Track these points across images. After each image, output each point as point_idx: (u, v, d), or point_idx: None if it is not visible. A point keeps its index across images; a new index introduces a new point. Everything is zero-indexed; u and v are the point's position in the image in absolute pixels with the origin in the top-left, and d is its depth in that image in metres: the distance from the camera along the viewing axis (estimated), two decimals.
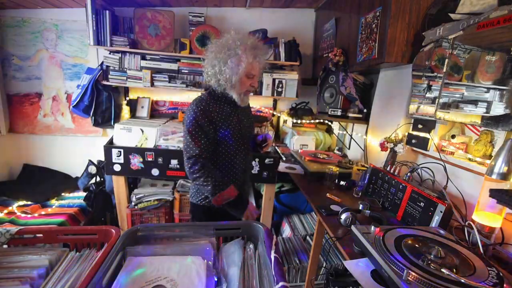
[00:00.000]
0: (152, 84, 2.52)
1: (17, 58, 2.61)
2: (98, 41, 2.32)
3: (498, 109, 1.14)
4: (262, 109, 2.86)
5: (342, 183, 1.69)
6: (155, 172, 2.19)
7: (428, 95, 1.41)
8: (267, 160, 2.08)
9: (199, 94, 2.97)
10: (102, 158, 2.20)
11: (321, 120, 2.77)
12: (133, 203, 2.30)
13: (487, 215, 1.00)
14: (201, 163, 1.26)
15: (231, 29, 1.31)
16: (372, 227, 0.93)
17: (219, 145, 1.34)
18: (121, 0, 2.50)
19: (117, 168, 2.16)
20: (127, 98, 2.76)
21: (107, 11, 2.27)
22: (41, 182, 2.72)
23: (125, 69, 2.52)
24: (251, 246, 0.94)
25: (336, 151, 2.51)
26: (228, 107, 1.35)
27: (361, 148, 2.22)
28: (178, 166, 2.21)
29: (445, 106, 1.33)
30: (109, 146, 2.12)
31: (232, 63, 1.24)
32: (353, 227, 0.97)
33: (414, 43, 1.52)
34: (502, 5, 1.05)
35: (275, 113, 2.91)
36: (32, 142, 2.80)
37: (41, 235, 0.97)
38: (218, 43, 1.28)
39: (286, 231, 2.43)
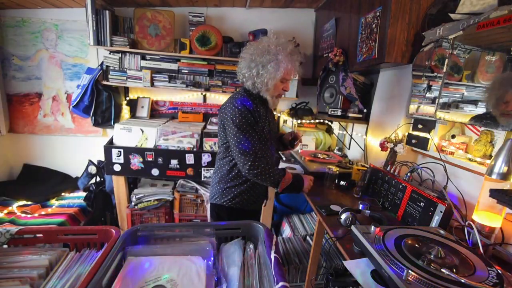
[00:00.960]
0: (152, 84, 2.52)
1: (17, 58, 2.61)
2: (98, 41, 2.32)
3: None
4: None
5: (342, 183, 1.69)
6: (155, 172, 2.19)
7: (428, 95, 1.41)
8: None
9: (199, 93, 2.96)
10: (102, 158, 2.21)
11: (321, 120, 2.77)
12: (133, 203, 2.30)
13: (487, 215, 1.00)
14: (259, 159, 1.29)
15: (271, 32, 1.34)
16: (372, 227, 0.93)
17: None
18: (121, 0, 2.50)
19: (117, 168, 2.16)
20: (127, 98, 2.76)
21: (107, 11, 2.27)
22: (41, 182, 2.72)
23: (125, 69, 2.52)
24: (251, 246, 0.94)
25: (336, 151, 2.51)
26: (263, 107, 1.39)
27: (361, 148, 2.22)
28: (178, 166, 2.21)
29: (445, 106, 1.33)
30: (109, 146, 2.13)
31: (272, 67, 1.27)
32: (353, 227, 0.97)
33: (414, 43, 1.52)
34: (502, 5, 1.05)
35: (275, 113, 2.91)
36: (32, 142, 2.80)
37: (41, 235, 0.96)
38: (258, 46, 1.30)
39: (286, 231, 2.43)
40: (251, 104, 1.32)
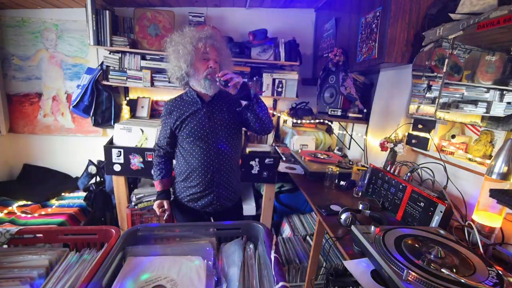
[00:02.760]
0: (152, 84, 2.52)
1: (17, 58, 2.61)
2: (98, 41, 2.32)
3: (498, 109, 1.14)
4: None
5: (342, 183, 1.69)
6: None
7: (428, 95, 1.41)
8: (267, 160, 2.08)
9: None
10: (102, 158, 2.20)
11: (321, 120, 2.77)
12: (133, 203, 2.30)
13: (487, 215, 1.00)
14: (157, 151, 1.49)
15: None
16: (372, 227, 0.93)
17: (181, 143, 1.41)
18: (121, 0, 2.50)
19: (117, 168, 2.16)
20: (127, 98, 2.76)
21: (107, 11, 2.27)
22: (41, 182, 2.72)
23: (125, 69, 2.52)
24: (251, 246, 0.94)
25: (336, 151, 2.51)
26: (192, 105, 1.37)
27: (361, 148, 2.22)
28: None
29: (445, 106, 1.33)
30: (109, 146, 2.12)
31: (172, 51, 1.31)
32: (353, 227, 0.97)
33: (414, 43, 1.52)
34: (502, 5, 1.05)
35: (275, 113, 2.91)
36: (32, 142, 2.80)
37: (41, 235, 0.97)
38: (166, 42, 1.38)
39: (286, 231, 2.43)
40: (169, 104, 1.42)
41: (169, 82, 2.53)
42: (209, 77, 1.29)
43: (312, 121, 2.75)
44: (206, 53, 1.30)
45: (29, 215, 2.18)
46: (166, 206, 1.47)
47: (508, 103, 1.11)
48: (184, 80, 1.36)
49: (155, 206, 1.48)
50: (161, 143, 1.46)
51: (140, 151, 2.14)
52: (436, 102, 1.34)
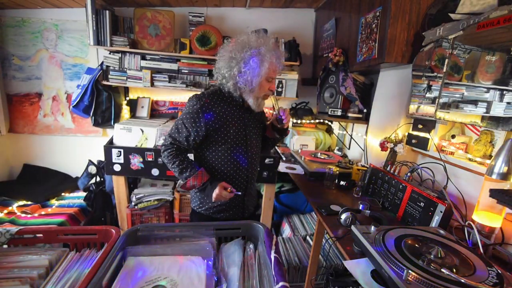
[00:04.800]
0: (152, 84, 2.52)
1: (17, 58, 2.61)
2: (98, 41, 2.32)
3: (498, 109, 1.14)
4: None
5: (342, 183, 1.69)
6: (155, 172, 2.19)
7: (428, 95, 1.41)
8: (267, 160, 2.08)
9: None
10: (102, 158, 2.20)
11: (321, 120, 2.77)
12: (133, 203, 2.30)
13: (487, 215, 1.00)
14: (177, 147, 1.25)
15: (247, 29, 1.25)
16: (372, 227, 0.93)
17: (213, 147, 1.26)
18: (121, 0, 2.50)
19: (117, 168, 2.16)
20: (127, 98, 2.76)
21: (107, 11, 2.27)
22: (41, 182, 2.72)
23: (125, 69, 2.52)
24: (251, 246, 0.94)
25: (336, 151, 2.51)
26: (235, 109, 1.26)
27: (361, 148, 2.22)
28: None
29: (445, 106, 1.33)
30: (109, 146, 2.12)
31: (255, 63, 1.14)
32: (353, 227, 0.97)
33: (414, 43, 1.52)
34: (502, 5, 1.05)
35: (275, 113, 2.91)
36: (32, 142, 2.80)
37: (41, 235, 0.97)
38: (238, 41, 1.17)
39: (286, 231, 2.43)
40: (210, 102, 1.21)
41: (169, 82, 2.53)
42: (266, 97, 1.27)
43: (312, 121, 2.75)
44: (276, 71, 1.23)
45: (29, 215, 2.18)
46: (226, 185, 1.25)
47: (508, 103, 1.11)
48: (243, 89, 1.21)
49: (220, 192, 1.21)
50: (184, 142, 1.24)
51: (140, 151, 2.14)
52: (436, 102, 1.34)
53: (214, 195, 1.22)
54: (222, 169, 1.28)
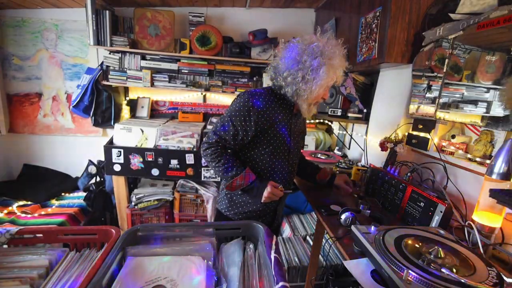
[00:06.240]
0: (152, 84, 2.52)
1: (17, 58, 2.61)
2: (98, 41, 2.32)
3: (498, 109, 1.14)
4: None
5: None
6: (155, 172, 2.19)
7: (428, 95, 1.41)
8: None
9: (199, 93, 2.96)
10: (102, 158, 2.21)
11: (321, 120, 2.77)
12: (133, 203, 2.30)
13: (487, 215, 1.00)
14: (222, 145, 1.15)
15: (316, 31, 1.14)
16: (372, 227, 0.93)
17: (256, 149, 1.19)
18: (121, 0, 2.50)
19: (117, 168, 2.16)
20: (127, 98, 2.76)
21: (107, 11, 2.27)
22: (41, 182, 2.72)
23: (125, 69, 2.52)
24: (251, 246, 0.94)
25: (336, 151, 2.51)
26: (285, 111, 1.19)
27: (361, 148, 2.22)
28: (178, 166, 2.21)
29: (445, 106, 1.33)
30: (109, 146, 2.13)
31: (324, 73, 1.05)
32: (353, 227, 0.97)
33: (414, 43, 1.52)
34: (502, 5, 1.05)
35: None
36: (32, 142, 2.80)
37: (41, 235, 0.96)
38: (309, 45, 1.08)
39: (286, 231, 2.43)
40: (264, 101, 1.13)
41: (169, 82, 2.53)
42: (316, 104, 1.21)
43: (312, 121, 2.75)
44: (338, 81, 1.16)
45: (29, 215, 2.18)
46: (276, 184, 1.18)
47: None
48: (303, 96, 1.12)
49: (272, 190, 1.14)
50: (231, 141, 1.15)
51: (140, 151, 2.14)
52: (436, 102, 1.34)
53: (265, 193, 1.15)
54: (261, 174, 1.22)
